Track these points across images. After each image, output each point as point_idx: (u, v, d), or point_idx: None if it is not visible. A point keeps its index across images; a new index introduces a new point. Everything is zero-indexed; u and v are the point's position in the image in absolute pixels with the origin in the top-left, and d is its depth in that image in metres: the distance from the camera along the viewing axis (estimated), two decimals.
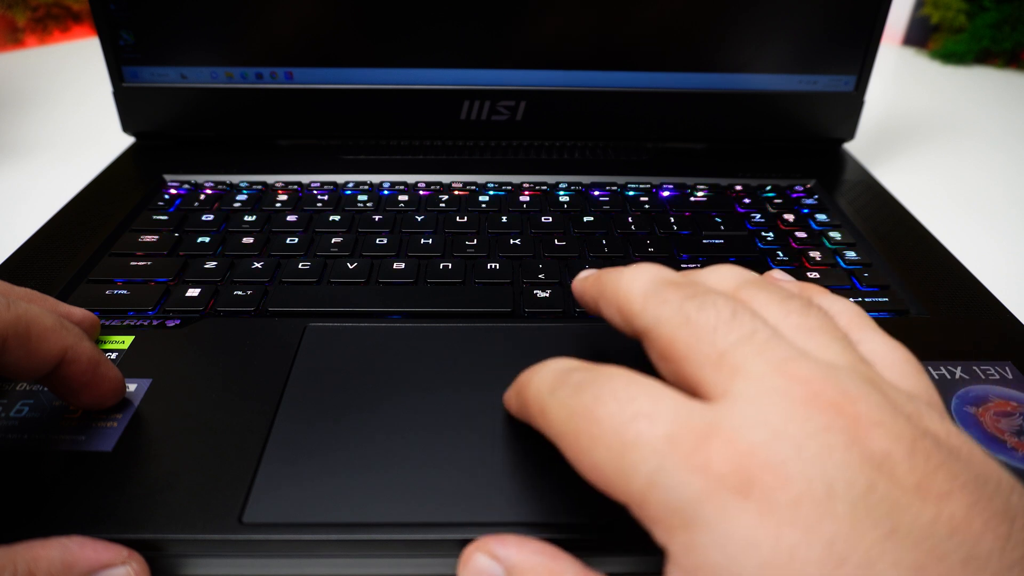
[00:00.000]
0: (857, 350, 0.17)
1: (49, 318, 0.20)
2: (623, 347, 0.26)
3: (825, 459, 0.13)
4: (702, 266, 0.27)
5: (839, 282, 0.31)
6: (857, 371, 0.15)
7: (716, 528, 0.13)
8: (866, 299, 0.30)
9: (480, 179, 0.40)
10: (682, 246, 0.34)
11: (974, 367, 0.25)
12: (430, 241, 0.33)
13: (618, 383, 0.16)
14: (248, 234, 0.34)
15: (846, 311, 0.19)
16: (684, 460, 0.14)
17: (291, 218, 0.35)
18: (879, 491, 0.13)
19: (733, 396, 0.15)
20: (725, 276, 0.19)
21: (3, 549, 0.17)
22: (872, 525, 0.13)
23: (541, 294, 0.29)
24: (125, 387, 0.22)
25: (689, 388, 0.16)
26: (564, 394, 0.17)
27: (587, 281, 0.21)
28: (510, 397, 0.21)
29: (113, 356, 0.25)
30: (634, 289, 0.18)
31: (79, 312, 0.24)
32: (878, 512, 0.13)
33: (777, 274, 0.22)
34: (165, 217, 0.35)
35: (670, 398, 0.15)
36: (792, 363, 0.15)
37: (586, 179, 0.40)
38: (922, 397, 0.16)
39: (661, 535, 0.14)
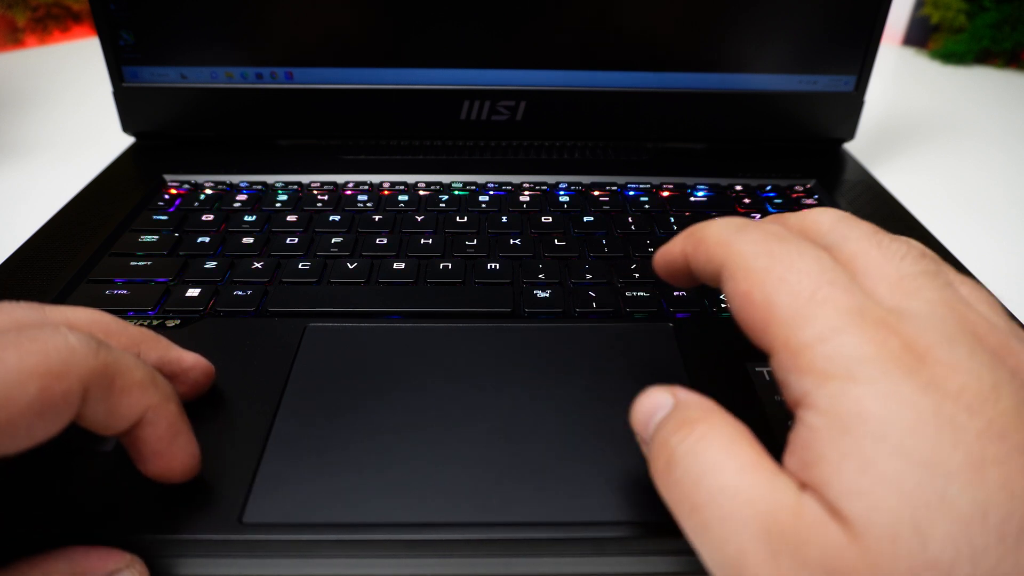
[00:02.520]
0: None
1: (140, 371, 0.18)
2: (624, 347, 0.26)
3: (995, 370, 0.14)
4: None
5: None
6: (1016, 334, 0.16)
7: (879, 384, 0.14)
8: None
9: (480, 179, 0.40)
10: None
11: None
12: (430, 241, 0.33)
13: (818, 251, 0.17)
14: (248, 234, 0.34)
15: (929, 260, 0.20)
16: (865, 329, 0.15)
17: (291, 218, 0.35)
18: None
19: (910, 309, 0.16)
20: (824, 219, 0.20)
21: (10, 569, 0.17)
22: None
23: (541, 294, 0.29)
24: (198, 468, 0.20)
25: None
26: (760, 235, 0.17)
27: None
28: (672, 245, 0.21)
29: None
30: (824, 219, 0.19)
31: (191, 358, 0.22)
32: None
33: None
34: (165, 217, 0.35)
35: (860, 288, 0.16)
36: (963, 306, 0.16)
37: (586, 179, 0.40)
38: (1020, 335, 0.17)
39: (806, 383, 0.15)
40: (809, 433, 0.15)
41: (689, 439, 0.16)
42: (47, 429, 0.16)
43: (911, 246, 0.18)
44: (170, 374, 0.21)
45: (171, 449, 0.19)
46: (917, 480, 0.13)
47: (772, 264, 0.16)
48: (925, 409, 0.13)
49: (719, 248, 0.18)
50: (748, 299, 0.17)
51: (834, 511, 0.14)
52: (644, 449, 0.18)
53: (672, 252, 0.21)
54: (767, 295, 0.16)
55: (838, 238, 0.18)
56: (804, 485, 0.14)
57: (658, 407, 0.18)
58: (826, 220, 0.19)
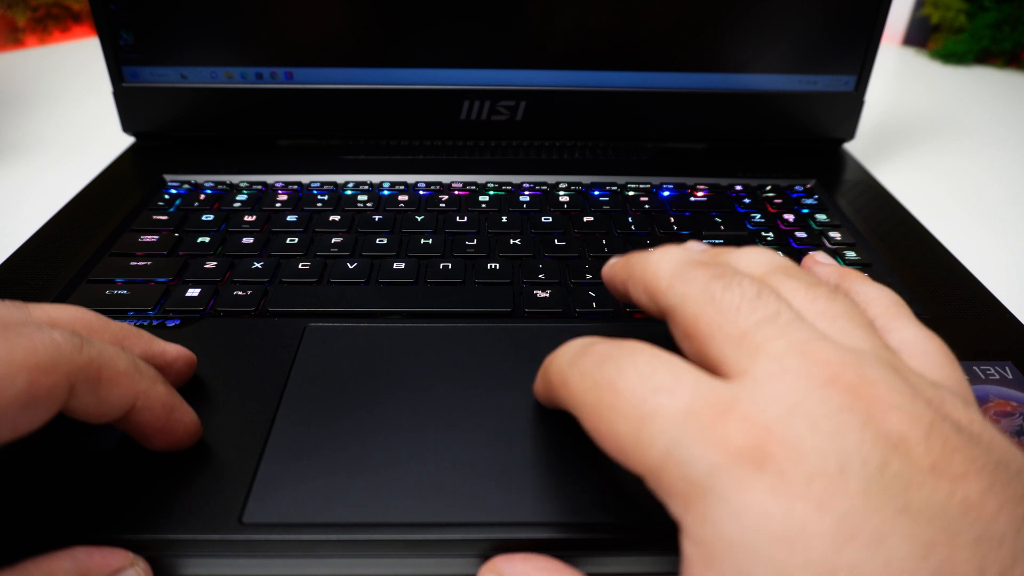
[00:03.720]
0: (882, 337, 0.17)
1: (123, 361, 0.18)
2: None
3: (840, 437, 0.14)
4: None
5: None
6: (879, 356, 0.16)
7: (730, 500, 0.13)
8: None
9: (480, 179, 0.40)
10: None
11: (974, 367, 0.25)
12: (430, 241, 0.33)
13: (640, 357, 0.16)
14: (248, 234, 0.34)
15: (882, 298, 0.19)
16: (701, 433, 0.14)
17: (291, 218, 0.35)
18: (892, 469, 0.13)
19: (752, 374, 0.15)
20: (755, 259, 0.19)
21: (15, 569, 0.17)
22: (884, 501, 0.13)
23: (541, 294, 0.29)
24: (201, 431, 0.21)
25: (711, 366, 0.16)
26: (586, 365, 0.17)
27: (616, 265, 0.22)
28: (537, 383, 0.21)
29: None
30: (662, 269, 0.19)
31: (173, 350, 0.23)
32: (891, 489, 0.13)
33: (820, 256, 0.22)
34: (165, 217, 0.35)
35: (690, 374, 0.15)
36: (812, 345, 0.15)
37: (586, 179, 0.40)
38: (949, 386, 0.17)
39: (676, 507, 0.15)
40: (688, 569, 0.14)
41: None
42: (31, 421, 0.16)
43: (745, 288, 0.17)
44: (155, 367, 0.21)
45: (170, 424, 0.20)
46: None
47: (599, 396, 0.16)
48: (776, 522, 0.13)
49: (563, 390, 0.18)
50: (599, 439, 0.16)
51: None
52: None
53: (538, 392, 0.21)
54: (610, 429, 0.16)
55: (677, 299, 0.18)
56: None
57: None
58: (664, 277, 0.18)
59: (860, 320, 0.17)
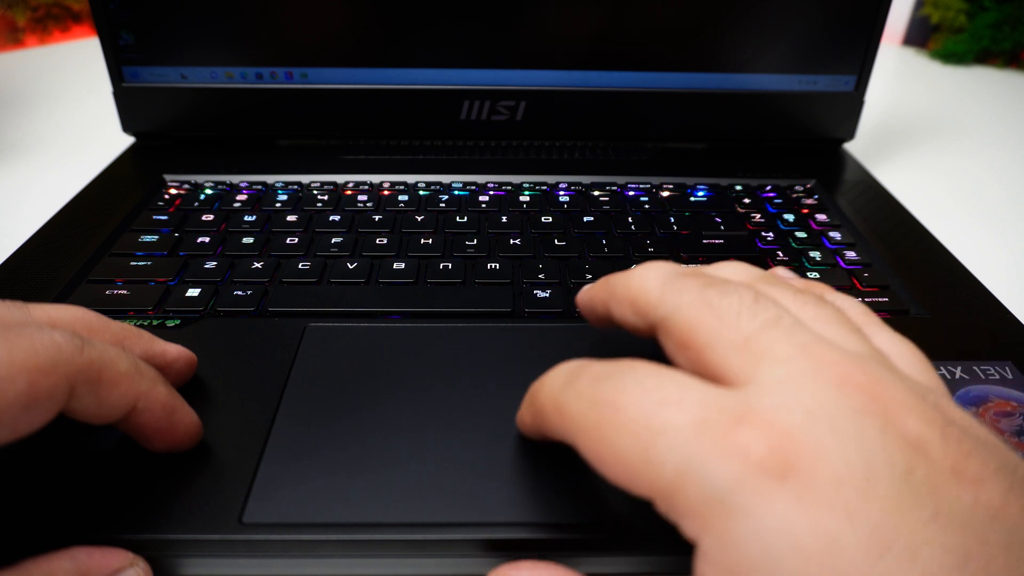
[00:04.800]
0: (872, 342, 0.17)
1: (124, 362, 0.18)
2: (624, 347, 0.26)
3: (862, 440, 0.13)
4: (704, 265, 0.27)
5: (839, 282, 0.31)
6: (877, 359, 0.15)
7: (753, 516, 0.13)
8: (866, 299, 0.30)
9: (480, 179, 0.40)
10: (682, 246, 0.34)
11: (974, 367, 0.25)
12: (430, 241, 0.33)
13: (641, 371, 0.15)
14: (248, 234, 0.34)
15: (852, 307, 0.19)
16: (717, 446, 0.13)
17: (291, 218, 0.35)
18: (919, 473, 0.13)
19: (761, 380, 0.14)
20: (736, 270, 0.19)
21: (15, 569, 0.17)
22: (915, 508, 0.12)
23: (541, 294, 0.29)
24: (201, 431, 0.21)
25: (711, 376, 0.16)
26: (582, 385, 0.16)
27: (593, 288, 0.21)
28: (522, 413, 0.20)
29: None
30: (648, 282, 0.18)
31: (174, 350, 0.22)
32: (919, 495, 0.12)
33: (781, 271, 0.22)
34: (165, 217, 0.35)
35: (696, 384, 0.15)
36: (817, 347, 0.15)
37: (586, 179, 0.40)
38: (936, 389, 0.16)
39: (692, 529, 0.14)
40: None
41: None
42: (31, 423, 0.16)
43: (742, 294, 0.16)
44: (155, 368, 0.21)
45: (171, 426, 0.20)
46: None
47: (600, 415, 0.15)
48: (805, 537, 0.12)
49: (556, 416, 0.17)
50: (601, 464, 0.15)
51: None
52: None
53: (523, 422, 0.20)
54: (614, 451, 0.14)
55: (670, 309, 0.17)
56: None
57: None
58: (653, 289, 0.18)
59: (850, 325, 0.17)
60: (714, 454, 0.13)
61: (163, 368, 0.22)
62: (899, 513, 0.12)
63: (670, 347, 0.17)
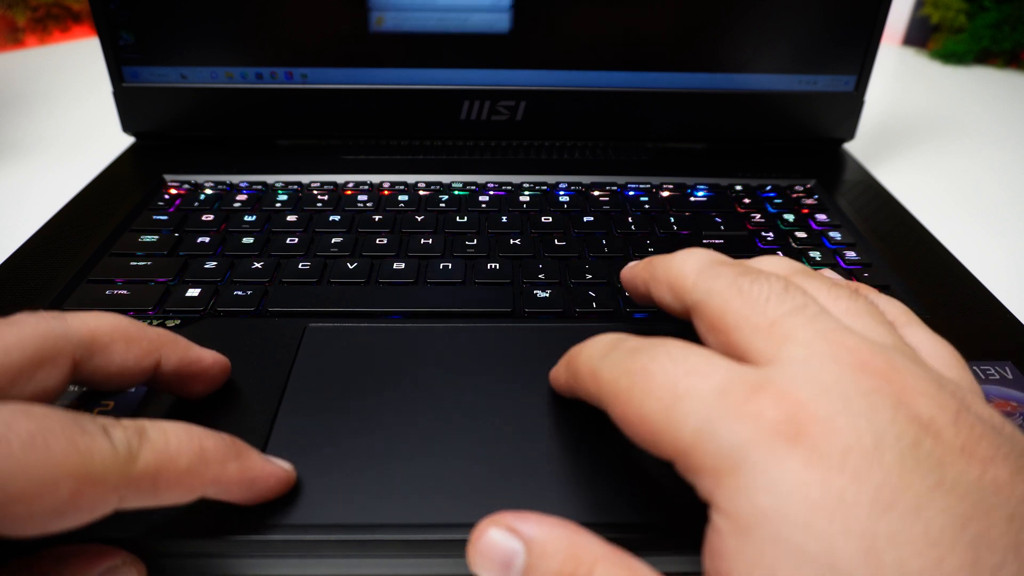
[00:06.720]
0: (904, 338, 0.17)
1: (185, 458, 0.16)
2: None
3: (873, 415, 0.14)
4: None
5: None
6: (902, 350, 0.16)
7: (764, 471, 0.14)
8: None
9: (480, 179, 0.40)
10: (682, 246, 0.34)
11: (974, 367, 0.25)
12: (430, 241, 0.33)
13: (672, 345, 0.16)
14: (248, 234, 0.34)
15: (893, 307, 0.20)
16: (734, 409, 0.14)
17: (291, 218, 0.35)
18: (926, 446, 0.14)
19: (782, 359, 0.15)
20: (776, 263, 0.20)
21: (3, 571, 0.17)
22: (920, 475, 0.13)
23: (541, 294, 0.29)
24: (293, 479, 0.20)
25: (738, 357, 0.17)
26: (618, 356, 0.17)
27: (637, 267, 0.22)
28: (558, 372, 0.22)
29: None
30: (687, 267, 0.19)
31: (210, 357, 0.22)
32: (925, 465, 0.13)
33: (828, 273, 0.23)
34: (165, 217, 0.35)
35: (722, 359, 0.16)
36: (839, 333, 0.16)
37: (586, 179, 0.40)
38: (964, 386, 0.17)
39: (707, 483, 0.15)
40: (718, 539, 0.14)
41: None
42: (62, 525, 0.15)
43: (772, 282, 0.17)
44: (190, 374, 0.21)
45: (254, 494, 0.19)
46: None
47: (632, 381, 0.16)
48: (813, 491, 0.13)
49: (591, 381, 0.18)
50: (628, 425, 0.16)
51: None
52: None
53: (558, 381, 0.22)
54: (640, 412, 0.16)
55: (703, 294, 0.18)
56: None
57: (508, 559, 0.16)
58: (690, 274, 0.19)
59: (881, 318, 0.17)
60: (731, 416, 0.14)
61: (198, 375, 0.21)
62: (904, 478, 0.13)
63: (702, 329, 0.18)
